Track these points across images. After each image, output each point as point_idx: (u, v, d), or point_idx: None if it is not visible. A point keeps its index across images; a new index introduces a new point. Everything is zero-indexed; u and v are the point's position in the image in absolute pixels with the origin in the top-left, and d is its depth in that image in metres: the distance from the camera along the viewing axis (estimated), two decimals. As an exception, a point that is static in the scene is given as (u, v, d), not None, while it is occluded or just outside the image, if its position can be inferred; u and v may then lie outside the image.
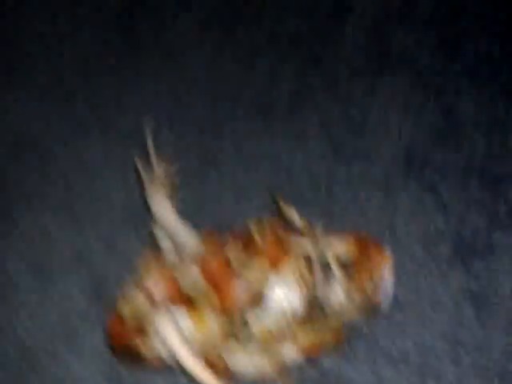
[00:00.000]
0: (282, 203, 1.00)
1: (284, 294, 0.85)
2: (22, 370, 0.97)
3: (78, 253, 1.09)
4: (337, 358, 0.92)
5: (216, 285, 0.80)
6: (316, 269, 0.88)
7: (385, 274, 0.89)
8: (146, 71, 1.38)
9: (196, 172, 1.19)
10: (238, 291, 0.81)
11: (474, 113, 1.24)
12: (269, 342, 0.84)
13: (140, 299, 0.79)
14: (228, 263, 0.81)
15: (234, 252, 0.82)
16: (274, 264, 0.83)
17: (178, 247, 0.85)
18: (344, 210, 1.11)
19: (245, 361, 0.88)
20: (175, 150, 1.23)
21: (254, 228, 0.86)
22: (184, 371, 0.83)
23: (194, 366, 0.81)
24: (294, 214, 0.99)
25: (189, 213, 1.13)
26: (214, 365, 0.88)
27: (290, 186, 1.16)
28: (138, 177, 0.88)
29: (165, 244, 0.87)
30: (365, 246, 0.93)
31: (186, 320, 0.83)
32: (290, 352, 0.89)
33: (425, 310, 0.97)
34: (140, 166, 0.88)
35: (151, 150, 0.87)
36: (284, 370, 0.88)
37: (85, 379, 0.92)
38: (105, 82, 1.34)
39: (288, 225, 0.99)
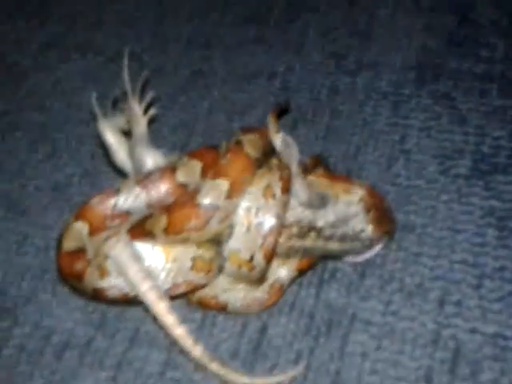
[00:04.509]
0: (270, 124, 0.86)
1: (250, 207, 0.72)
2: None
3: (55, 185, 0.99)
4: (347, 292, 0.83)
5: (166, 209, 0.69)
6: (295, 177, 0.75)
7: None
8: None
9: (183, 89, 1.07)
10: (193, 215, 0.70)
11: (491, 14, 1.11)
12: (243, 266, 0.73)
13: (81, 228, 0.70)
14: (181, 186, 0.70)
15: (189, 174, 0.70)
16: (237, 183, 0.70)
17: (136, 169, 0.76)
18: (348, 126, 1.00)
19: (234, 292, 0.78)
20: (158, 65, 1.12)
21: (223, 147, 0.74)
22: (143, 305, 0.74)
23: (154, 300, 0.71)
24: (276, 138, 0.81)
25: (176, 132, 1.03)
26: (203, 300, 0.79)
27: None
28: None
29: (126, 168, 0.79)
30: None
31: (151, 249, 0.72)
32: (281, 273, 0.78)
33: (442, 234, 0.87)
34: (94, 102, 0.78)
35: (127, 87, 0.77)
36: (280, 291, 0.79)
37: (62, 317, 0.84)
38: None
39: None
